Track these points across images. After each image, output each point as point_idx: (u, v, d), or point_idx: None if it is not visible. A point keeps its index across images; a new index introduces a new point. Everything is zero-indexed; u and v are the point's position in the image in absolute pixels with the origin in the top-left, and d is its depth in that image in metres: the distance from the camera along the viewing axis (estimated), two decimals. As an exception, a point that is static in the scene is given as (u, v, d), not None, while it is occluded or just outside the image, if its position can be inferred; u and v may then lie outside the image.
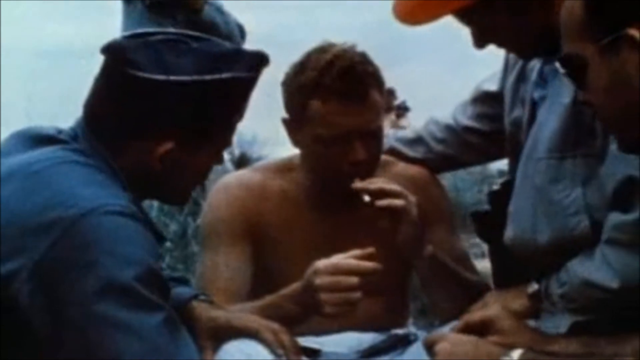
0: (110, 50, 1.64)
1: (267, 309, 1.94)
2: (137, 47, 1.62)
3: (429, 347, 1.77)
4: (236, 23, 4.53)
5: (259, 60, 1.70)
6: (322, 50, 2.06)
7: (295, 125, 2.10)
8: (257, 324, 1.85)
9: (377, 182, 2.03)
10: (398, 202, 1.99)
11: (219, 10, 4.42)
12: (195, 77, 1.61)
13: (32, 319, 1.50)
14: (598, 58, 1.45)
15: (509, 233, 1.94)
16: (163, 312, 1.53)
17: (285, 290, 1.94)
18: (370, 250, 1.87)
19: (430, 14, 1.90)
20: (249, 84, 1.69)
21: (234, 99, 1.69)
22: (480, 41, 1.94)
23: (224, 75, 1.63)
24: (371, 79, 2.05)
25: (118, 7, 4.51)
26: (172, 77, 1.60)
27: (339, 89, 2.01)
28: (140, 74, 1.59)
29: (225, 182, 2.22)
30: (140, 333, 1.49)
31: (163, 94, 1.61)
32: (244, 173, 2.29)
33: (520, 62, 2.08)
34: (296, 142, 2.13)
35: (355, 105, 2.02)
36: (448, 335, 1.80)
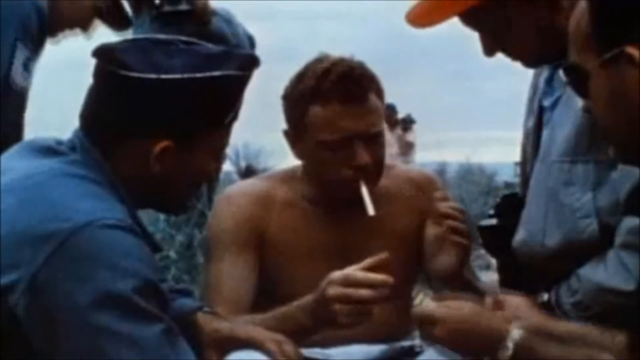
0: (100, 53, 1.64)
1: (280, 319, 1.92)
2: (127, 48, 1.64)
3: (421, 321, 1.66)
4: (245, 33, 4.52)
5: (249, 61, 1.71)
6: (319, 60, 2.08)
7: (296, 135, 2.10)
8: (261, 335, 1.85)
9: (448, 205, 2.05)
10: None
11: (228, 21, 4.41)
12: (186, 75, 1.61)
13: (30, 330, 1.50)
14: (599, 71, 1.47)
15: (518, 236, 1.93)
16: (162, 323, 1.53)
17: (298, 302, 1.92)
18: (383, 256, 1.84)
19: (444, 14, 1.90)
20: (240, 83, 1.70)
21: (226, 98, 1.68)
22: (490, 47, 1.94)
23: (215, 73, 1.63)
24: (370, 83, 2.06)
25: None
26: (163, 76, 1.60)
27: (338, 93, 2.01)
28: (131, 73, 1.60)
29: (229, 192, 2.22)
30: (140, 344, 1.49)
31: (155, 93, 1.61)
32: (248, 183, 2.29)
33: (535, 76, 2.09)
34: (297, 152, 2.13)
35: (355, 108, 2.03)
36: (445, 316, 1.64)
